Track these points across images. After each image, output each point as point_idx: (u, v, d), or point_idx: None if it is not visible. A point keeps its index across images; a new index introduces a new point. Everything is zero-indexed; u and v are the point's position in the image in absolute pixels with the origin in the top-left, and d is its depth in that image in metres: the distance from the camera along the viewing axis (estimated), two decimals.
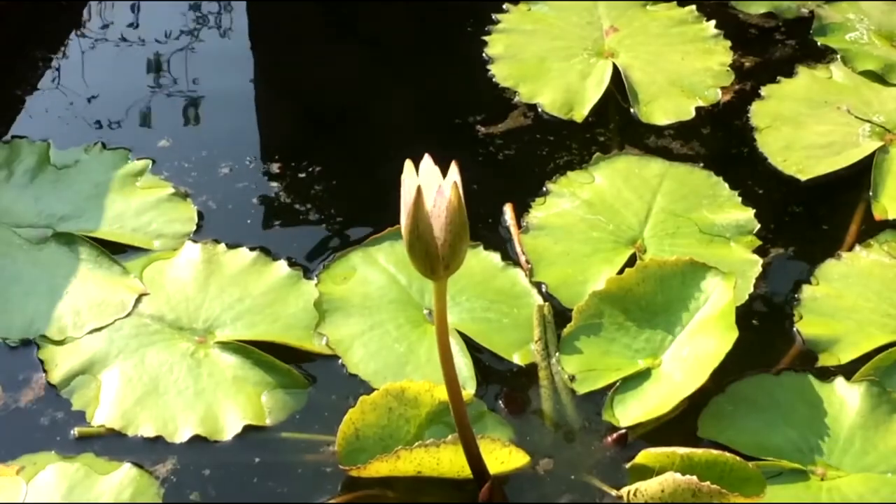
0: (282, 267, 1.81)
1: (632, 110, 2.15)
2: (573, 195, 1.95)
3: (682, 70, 2.24)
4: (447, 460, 1.50)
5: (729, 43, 2.29)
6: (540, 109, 2.14)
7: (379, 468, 1.50)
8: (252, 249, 1.83)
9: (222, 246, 1.84)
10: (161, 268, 1.81)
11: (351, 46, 2.35)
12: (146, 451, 1.59)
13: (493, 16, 2.33)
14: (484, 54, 2.25)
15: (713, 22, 2.32)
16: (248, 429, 1.61)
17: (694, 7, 2.36)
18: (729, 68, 2.24)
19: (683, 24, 2.34)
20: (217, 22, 2.42)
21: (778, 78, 2.20)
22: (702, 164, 2.01)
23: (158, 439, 1.60)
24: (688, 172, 2.00)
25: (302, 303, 1.76)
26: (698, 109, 2.16)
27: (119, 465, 1.55)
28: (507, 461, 1.54)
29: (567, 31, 2.30)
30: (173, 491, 1.55)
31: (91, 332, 1.71)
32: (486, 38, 2.28)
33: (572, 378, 1.68)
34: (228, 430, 1.61)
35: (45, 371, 1.67)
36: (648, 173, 1.99)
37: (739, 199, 1.94)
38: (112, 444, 1.59)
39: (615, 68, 2.20)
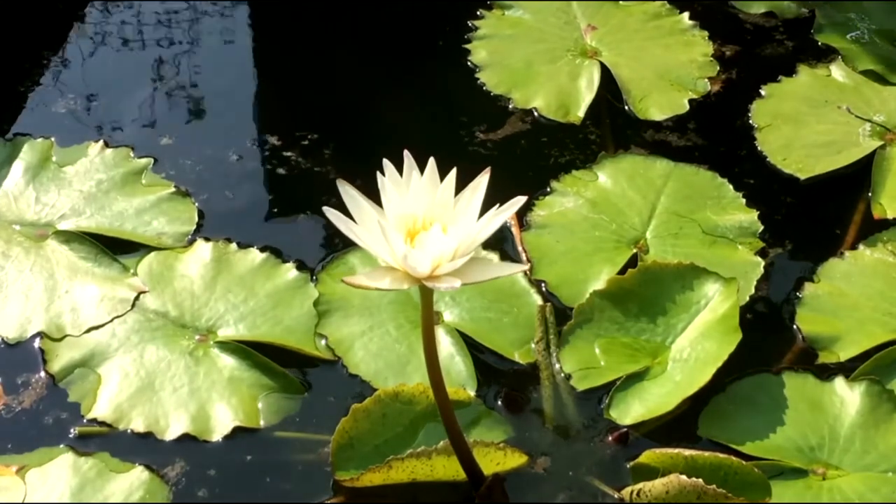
0: (290, 270, 1.81)
1: (626, 108, 2.15)
2: (577, 194, 1.95)
3: (668, 63, 2.23)
4: (440, 467, 1.49)
5: (706, 33, 2.29)
6: (536, 114, 2.13)
7: (372, 478, 1.50)
8: (262, 250, 1.83)
9: (233, 245, 1.84)
10: (171, 264, 1.81)
11: (351, 49, 2.34)
12: (145, 450, 1.59)
13: (470, 22, 2.32)
14: (469, 62, 2.23)
15: (687, 13, 2.32)
16: (241, 430, 1.61)
17: (665, 0, 2.36)
18: (712, 58, 2.24)
19: (658, 17, 2.34)
20: (218, 20, 2.42)
21: (779, 77, 2.20)
22: (707, 166, 2.00)
23: (149, 436, 1.60)
24: (693, 173, 1.99)
25: (307, 307, 1.76)
26: (691, 102, 2.16)
27: (129, 465, 1.56)
28: (504, 462, 1.53)
29: (547, 33, 2.29)
30: (173, 489, 1.55)
31: (89, 330, 1.71)
32: (467, 45, 2.26)
33: (568, 377, 1.68)
34: (219, 430, 1.61)
35: (45, 361, 1.68)
36: (653, 173, 1.99)
37: (744, 200, 1.94)
38: (112, 442, 1.60)
39: (603, 67, 2.20)
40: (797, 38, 2.32)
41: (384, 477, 1.50)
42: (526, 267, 1.79)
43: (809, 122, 2.11)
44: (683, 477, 1.45)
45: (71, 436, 1.60)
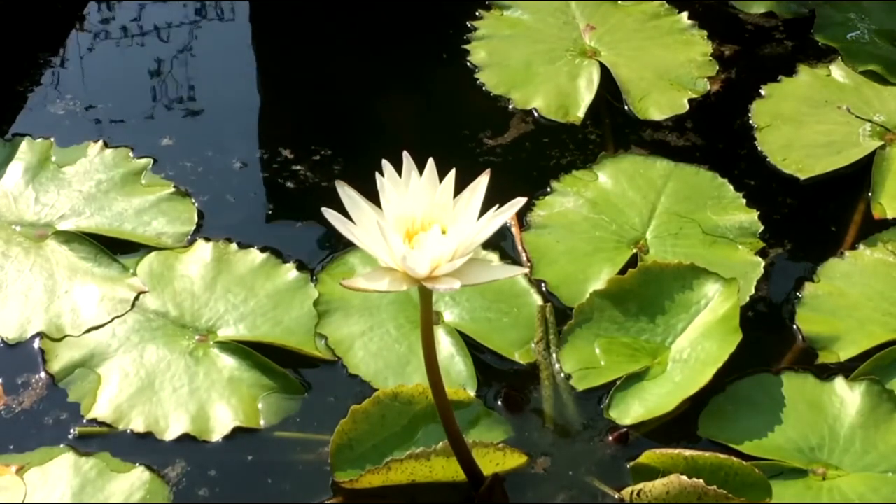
0: (290, 270, 1.81)
1: (626, 108, 2.15)
2: (577, 194, 1.95)
3: (667, 63, 2.23)
4: (440, 468, 1.49)
5: (706, 33, 2.29)
6: (536, 114, 2.13)
7: (371, 480, 1.50)
8: (263, 251, 1.83)
9: (234, 245, 1.83)
10: (171, 264, 1.81)
11: (350, 49, 2.34)
12: (145, 450, 1.59)
13: (469, 23, 2.31)
14: (468, 62, 2.23)
15: (686, 13, 2.32)
16: (241, 430, 1.61)
17: (664, 0, 2.36)
18: (712, 58, 2.24)
19: (657, 17, 2.33)
20: (218, 20, 2.42)
21: (779, 77, 2.20)
22: (707, 166, 2.00)
23: (149, 436, 1.60)
24: (693, 173, 1.99)
25: (307, 307, 1.76)
26: (690, 102, 2.16)
27: (129, 465, 1.56)
28: (503, 462, 1.53)
29: (546, 34, 2.29)
30: (174, 489, 1.55)
31: (89, 330, 1.71)
32: (466, 46, 2.25)
33: (568, 377, 1.68)
34: (219, 430, 1.61)
35: (44, 361, 1.68)
36: (653, 173, 1.98)
37: (744, 200, 1.94)
38: (112, 442, 1.59)
39: (602, 67, 2.20)
40: (797, 38, 2.32)
41: (383, 478, 1.50)
42: (526, 269, 1.79)
43: (809, 122, 2.11)
44: (684, 477, 1.45)
45: (71, 436, 1.60)
